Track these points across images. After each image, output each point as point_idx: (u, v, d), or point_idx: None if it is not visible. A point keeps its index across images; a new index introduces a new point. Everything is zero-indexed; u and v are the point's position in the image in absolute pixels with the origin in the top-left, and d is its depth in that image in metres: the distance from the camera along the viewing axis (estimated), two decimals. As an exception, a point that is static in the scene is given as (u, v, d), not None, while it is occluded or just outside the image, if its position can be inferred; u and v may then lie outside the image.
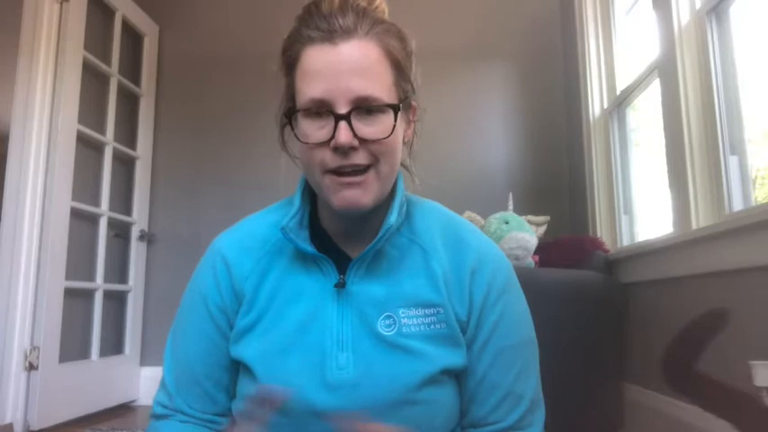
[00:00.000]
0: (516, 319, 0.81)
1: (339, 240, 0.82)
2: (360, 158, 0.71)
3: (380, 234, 0.76)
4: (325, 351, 0.75)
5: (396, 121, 0.72)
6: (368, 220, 0.79)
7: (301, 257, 0.79)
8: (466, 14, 3.08)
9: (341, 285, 0.77)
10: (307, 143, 0.72)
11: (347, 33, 0.71)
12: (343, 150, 0.70)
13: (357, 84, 0.69)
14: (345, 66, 0.70)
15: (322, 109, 0.70)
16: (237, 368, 0.82)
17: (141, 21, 3.11)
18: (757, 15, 1.61)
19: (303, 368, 0.75)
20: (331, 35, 0.70)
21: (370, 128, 0.71)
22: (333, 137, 0.70)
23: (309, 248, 0.77)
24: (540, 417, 0.80)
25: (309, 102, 0.71)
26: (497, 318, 0.78)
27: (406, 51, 0.78)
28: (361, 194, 0.72)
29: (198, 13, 3.29)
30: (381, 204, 0.78)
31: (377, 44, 0.72)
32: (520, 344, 0.80)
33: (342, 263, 0.78)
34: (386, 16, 0.78)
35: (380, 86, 0.71)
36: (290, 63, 0.75)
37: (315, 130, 0.71)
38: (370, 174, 0.73)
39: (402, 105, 0.75)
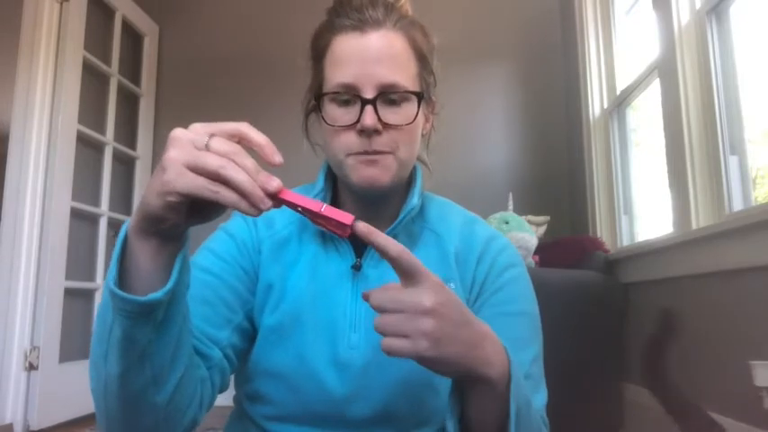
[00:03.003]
0: (520, 291, 0.81)
1: None
2: (382, 144, 0.74)
3: (402, 215, 0.79)
4: (337, 329, 0.76)
5: (419, 108, 0.76)
6: (386, 206, 0.82)
7: (321, 237, 0.81)
8: (466, 14, 3.08)
9: (357, 268, 0.79)
10: (333, 126, 0.75)
11: (377, 23, 0.74)
12: (368, 133, 0.73)
13: (384, 71, 0.73)
14: (373, 53, 0.73)
15: (350, 93, 0.74)
16: (247, 314, 0.78)
17: (141, 21, 3.11)
18: (757, 15, 1.61)
19: (315, 343, 0.75)
20: (362, 24, 0.74)
21: (395, 114, 0.74)
22: (359, 120, 0.73)
23: None
24: (537, 399, 0.74)
25: (338, 86, 0.74)
26: (499, 287, 0.79)
27: (429, 46, 0.81)
28: (381, 173, 0.75)
29: (198, 13, 3.29)
30: (399, 191, 0.82)
31: (403, 35, 0.76)
32: (521, 313, 0.79)
33: (358, 247, 0.80)
34: (409, 14, 0.82)
35: (405, 75, 0.75)
36: (320, 52, 0.79)
37: (342, 114, 0.74)
38: (390, 156, 0.75)
39: (424, 96, 0.78)
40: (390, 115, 0.74)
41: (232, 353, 0.75)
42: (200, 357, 0.69)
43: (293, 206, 0.54)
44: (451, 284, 0.79)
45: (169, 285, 0.54)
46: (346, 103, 0.74)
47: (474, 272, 0.80)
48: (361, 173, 0.75)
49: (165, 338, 0.57)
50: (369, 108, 0.72)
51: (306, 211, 0.54)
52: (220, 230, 0.83)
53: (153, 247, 0.54)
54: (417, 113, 0.75)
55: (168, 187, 0.50)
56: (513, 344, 0.66)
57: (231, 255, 0.79)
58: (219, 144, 0.51)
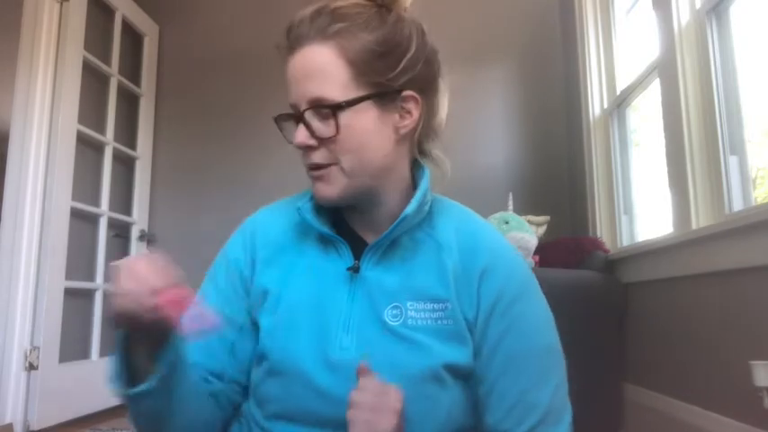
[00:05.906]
0: (531, 325, 0.79)
1: (358, 226, 0.84)
2: (318, 157, 0.77)
3: (396, 223, 0.78)
4: (330, 330, 0.77)
5: (336, 119, 0.73)
6: (381, 209, 0.82)
7: (321, 239, 0.83)
8: (466, 15, 3.08)
9: (354, 270, 0.79)
10: (291, 143, 0.79)
11: (299, 41, 0.76)
12: (303, 150, 0.77)
13: (308, 87, 0.75)
14: (299, 72, 0.76)
15: (294, 113, 0.78)
16: (251, 335, 0.83)
17: (141, 21, 3.11)
18: (757, 15, 1.61)
19: (308, 344, 0.77)
20: (291, 44, 0.77)
21: (326, 127, 0.75)
22: None
23: (325, 230, 0.81)
24: (560, 430, 0.76)
25: (289, 107, 0.79)
26: (507, 325, 0.76)
27: (380, 42, 0.75)
28: (325, 187, 0.78)
29: (198, 13, 3.29)
30: (402, 196, 0.82)
31: (329, 44, 0.74)
32: (533, 350, 0.77)
33: (359, 248, 0.81)
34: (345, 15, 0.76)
35: (332, 86, 0.74)
36: None
37: (291, 133, 0.79)
38: (333, 169, 0.77)
39: (344, 106, 0.74)
40: (323, 128, 0.75)
41: (242, 368, 0.83)
42: (207, 387, 0.80)
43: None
44: (447, 305, 0.77)
45: (153, 382, 0.67)
46: (295, 120, 0.78)
47: (478, 291, 0.77)
48: (313, 189, 0.79)
49: (175, 395, 0.71)
50: (299, 126, 0.76)
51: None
52: (220, 253, 0.90)
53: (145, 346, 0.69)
54: (338, 125, 0.73)
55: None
56: (532, 383, 0.74)
57: (225, 281, 0.85)
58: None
